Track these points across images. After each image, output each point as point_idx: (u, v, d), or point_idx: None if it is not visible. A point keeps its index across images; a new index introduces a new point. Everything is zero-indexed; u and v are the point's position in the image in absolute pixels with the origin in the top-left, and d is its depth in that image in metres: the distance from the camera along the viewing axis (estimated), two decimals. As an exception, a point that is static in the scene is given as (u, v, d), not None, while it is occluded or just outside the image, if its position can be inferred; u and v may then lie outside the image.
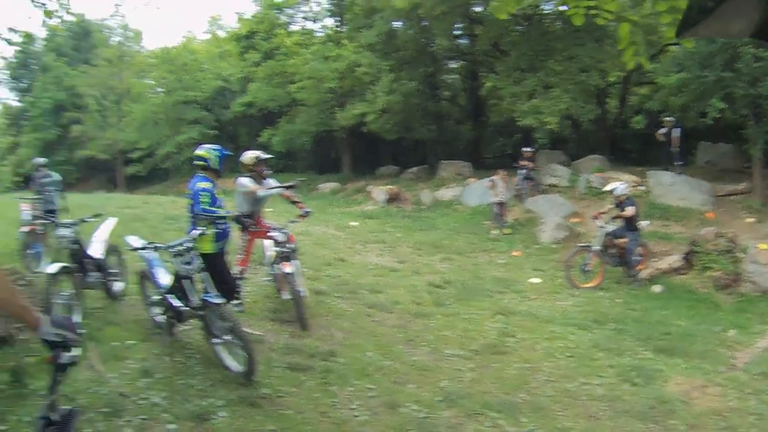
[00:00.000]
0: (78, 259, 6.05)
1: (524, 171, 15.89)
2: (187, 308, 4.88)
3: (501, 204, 14.07)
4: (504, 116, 21.29)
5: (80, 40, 41.51)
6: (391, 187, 19.43)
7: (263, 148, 18.57)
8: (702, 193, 13.39)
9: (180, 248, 4.84)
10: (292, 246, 6.45)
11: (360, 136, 24.40)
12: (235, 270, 6.39)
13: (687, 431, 4.57)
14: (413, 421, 4.29)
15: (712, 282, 9.28)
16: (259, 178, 6.47)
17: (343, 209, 18.32)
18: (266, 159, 6.64)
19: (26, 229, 8.10)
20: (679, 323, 7.54)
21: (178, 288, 4.94)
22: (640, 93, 20.19)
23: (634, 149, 20.14)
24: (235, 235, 6.50)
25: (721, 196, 13.46)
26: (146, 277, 5.57)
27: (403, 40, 20.91)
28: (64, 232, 6.14)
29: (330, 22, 28.45)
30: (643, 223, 10.26)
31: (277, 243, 6.36)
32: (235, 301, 5.96)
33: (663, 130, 14.67)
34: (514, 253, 12.04)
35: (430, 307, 7.73)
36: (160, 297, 5.23)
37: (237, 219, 6.43)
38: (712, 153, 15.85)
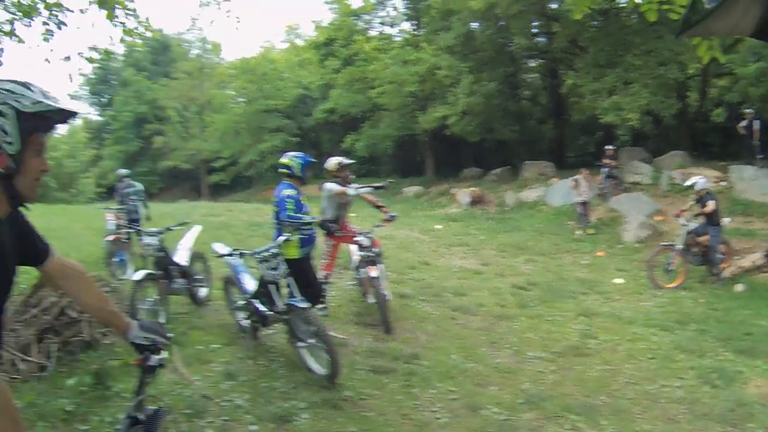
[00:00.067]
0: (164, 266, 6.18)
1: (607, 169, 15.79)
2: (272, 312, 4.96)
3: (584, 204, 14.09)
4: (585, 114, 21.01)
5: (159, 55, 42.71)
6: (474, 189, 19.51)
7: (346, 153, 19.24)
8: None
9: (266, 254, 4.95)
10: (377, 250, 6.52)
11: (442, 139, 24.44)
12: (320, 275, 6.42)
13: (765, 435, 4.50)
14: (494, 424, 4.28)
15: (797, 281, 8.91)
16: (344, 183, 6.56)
17: (427, 212, 18.53)
18: (349, 164, 6.78)
19: (111, 238, 8.37)
20: (761, 323, 7.35)
21: (263, 293, 5.03)
22: (720, 84, 19.31)
23: (715, 143, 19.31)
24: (321, 240, 6.61)
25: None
26: (231, 282, 5.67)
27: (481, 41, 20.93)
28: (150, 240, 6.22)
29: (407, 26, 28.84)
30: (726, 221, 9.99)
31: (362, 247, 6.43)
32: (320, 305, 6.03)
33: (743, 123, 14.16)
34: (598, 254, 12.02)
35: (513, 309, 7.71)
36: (245, 302, 5.34)
37: (322, 224, 6.54)
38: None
